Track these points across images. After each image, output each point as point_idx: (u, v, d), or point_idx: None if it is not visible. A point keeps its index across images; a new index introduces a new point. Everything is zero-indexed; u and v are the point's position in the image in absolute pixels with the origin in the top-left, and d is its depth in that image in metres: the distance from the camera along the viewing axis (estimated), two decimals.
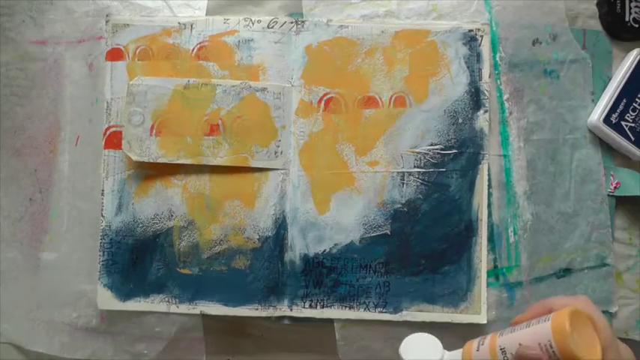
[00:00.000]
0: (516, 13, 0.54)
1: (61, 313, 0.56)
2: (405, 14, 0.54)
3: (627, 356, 0.37)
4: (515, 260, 0.54)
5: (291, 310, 0.53)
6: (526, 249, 0.54)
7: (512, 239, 0.54)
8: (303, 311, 0.53)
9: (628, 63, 0.54)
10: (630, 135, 0.54)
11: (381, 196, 0.53)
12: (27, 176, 0.57)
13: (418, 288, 0.53)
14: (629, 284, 0.56)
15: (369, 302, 0.53)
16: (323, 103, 0.54)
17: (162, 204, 0.54)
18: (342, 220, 0.53)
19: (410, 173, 0.53)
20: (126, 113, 0.53)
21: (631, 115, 0.54)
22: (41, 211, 0.57)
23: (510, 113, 0.54)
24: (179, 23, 0.54)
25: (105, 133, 0.54)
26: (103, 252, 0.54)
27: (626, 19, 0.55)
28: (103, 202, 0.54)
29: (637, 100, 0.54)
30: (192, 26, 0.54)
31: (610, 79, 0.55)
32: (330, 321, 0.54)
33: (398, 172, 0.53)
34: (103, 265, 0.54)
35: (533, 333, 0.36)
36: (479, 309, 0.53)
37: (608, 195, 0.55)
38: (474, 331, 0.53)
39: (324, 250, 0.53)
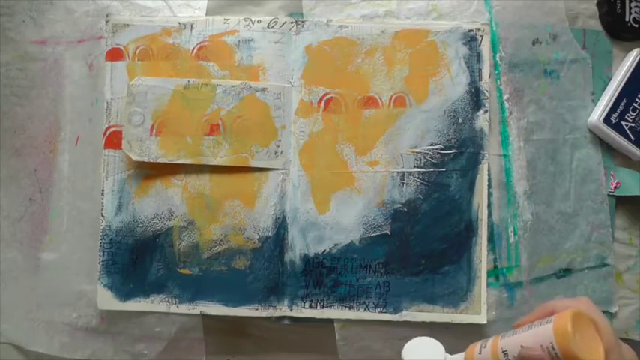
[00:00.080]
0: (516, 13, 0.54)
1: (61, 313, 0.56)
2: (405, 14, 0.54)
3: (630, 357, 0.37)
4: (515, 260, 0.54)
5: (291, 310, 0.53)
6: (526, 249, 0.54)
7: (512, 239, 0.54)
8: (303, 311, 0.53)
9: (628, 63, 0.54)
10: (630, 135, 0.54)
11: (381, 196, 0.53)
12: (27, 176, 0.57)
13: (418, 288, 0.53)
14: (629, 284, 0.56)
15: (369, 302, 0.53)
16: (323, 103, 0.54)
17: (163, 204, 0.54)
18: (342, 220, 0.53)
19: (410, 173, 0.53)
20: (126, 113, 0.53)
21: (631, 115, 0.54)
22: (41, 211, 0.57)
23: (510, 113, 0.54)
24: (179, 23, 0.54)
25: (105, 133, 0.54)
26: (103, 252, 0.54)
27: (626, 19, 0.55)
28: (103, 202, 0.54)
29: (637, 100, 0.54)
30: (192, 26, 0.54)
31: (610, 79, 0.55)
32: (330, 321, 0.54)
33: (398, 172, 0.53)
34: (103, 265, 0.54)
35: (535, 335, 0.36)
36: (479, 309, 0.53)
37: (608, 195, 0.55)
38: (474, 331, 0.53)
39: (324, 250, 0.53)
